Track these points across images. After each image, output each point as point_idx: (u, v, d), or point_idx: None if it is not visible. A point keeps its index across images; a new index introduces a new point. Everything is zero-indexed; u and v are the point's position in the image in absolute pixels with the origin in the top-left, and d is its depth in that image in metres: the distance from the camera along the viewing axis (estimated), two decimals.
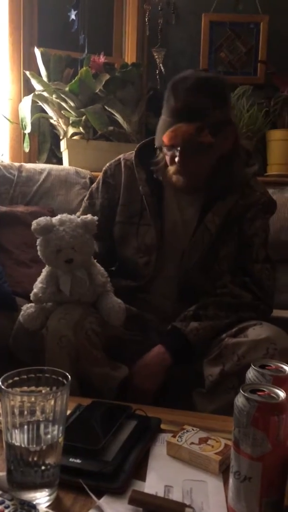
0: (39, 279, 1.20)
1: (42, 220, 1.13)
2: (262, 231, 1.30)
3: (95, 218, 1.16)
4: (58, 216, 1.17)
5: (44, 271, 1.20)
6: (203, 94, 1.14)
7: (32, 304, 1.19)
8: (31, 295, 1.18)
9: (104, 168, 1.39)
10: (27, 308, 1.19)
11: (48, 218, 1.15)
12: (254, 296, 1.25)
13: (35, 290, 1.18)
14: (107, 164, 1.40)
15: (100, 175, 1.40)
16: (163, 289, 1.31)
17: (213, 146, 1.16)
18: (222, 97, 1.17)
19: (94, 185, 1.41)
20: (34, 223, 1.14)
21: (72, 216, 1.18)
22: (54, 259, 1.14)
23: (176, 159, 1.18)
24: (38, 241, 1.16)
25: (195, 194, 1.29)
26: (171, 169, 1.22)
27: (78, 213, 1.36)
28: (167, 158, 1.22)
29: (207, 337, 1.19)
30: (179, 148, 1.16)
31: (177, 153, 1.17)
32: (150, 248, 1.29)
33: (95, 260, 1.23)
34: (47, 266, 1.20)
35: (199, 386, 1.17)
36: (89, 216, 1.16)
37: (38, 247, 1.16)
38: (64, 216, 1.17)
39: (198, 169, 1.21)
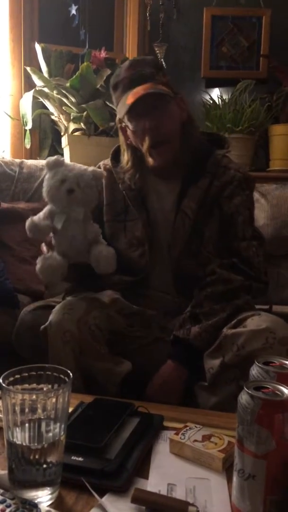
0: (37, 215, 1.21)
1: (53, 157, 1.19)
2: (245, 209, 1.29)
3: (104, 172, 1.24)
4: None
5: (44, 208, 1.22)
6: (142, 65, 1.25)
7: (45, 256, 1.17)
8: (27, 223, 1.17)
9: None
10: (44, 260, 1.16)
11: (62, 157, 1.20)
12: (246, 276, 1.24)
13: (31, 218, 1.18)
14: None
15: None
16: (160, 282, 1.32)
17: (171, 107, 1.23)
18: (158, 65, 1.30)
19: None
20: (46, 160, 1.19)
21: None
22: (57, 189, 1.16)
23: (146, 123, 1.21)
24: (46, 176, 1.19)
25: (171, 179, 1.31)
26: (145, 145, 1.24)
27: None
28: (136, 137, 1.26)
29: (211, 337, 1.17)
30: (148, 113, 1.20)
31: (147, 117, 1.21)
32: (141, 240, 1.30)
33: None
34: (48, 205, 1.21)
35: (202, 380, 1.16)
36: (97, 169, 1.22)
37: (44, 181, 1.19)
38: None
39: (164, 128, 1.23)
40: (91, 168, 1.22)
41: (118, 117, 1.32)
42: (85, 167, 1.21)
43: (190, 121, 1.30)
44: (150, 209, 1.33)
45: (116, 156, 1.38)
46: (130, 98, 1.19)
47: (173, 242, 1.28)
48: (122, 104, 1.23)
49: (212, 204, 1.28)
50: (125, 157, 1.33)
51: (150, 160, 1.26)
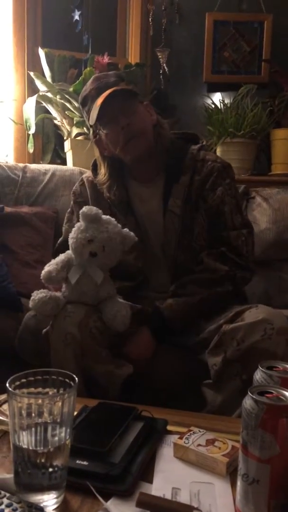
0: (55, 260, 1.21)
1: (94, 209, 1.18)
2: (230, 197, 1.32)
3: (136, 238, 1.23)
4: (107, 216, 1.22)
5: (62, 256, 1.22)
6: (105, 77, 1.33)
7: (41, 290, 1.19)
8: (44, 272, 1.19)
9: (71, 193, 1.50)
10: (37, 294, 1.18)
11: (100, 210, 1.19)
12: (234, 264, 1.27)
13: (49, 268, 1.19)
14: (73, 188, 1.50)
15: (71, 199, 1.50)
16: (159, 283, 1.35)
17: (139, 107, 1.30)
18: (121, 78, 1.34)
19: (69, 209, 1.49)
20: (85, 208, 1.19)
21: (118, 224, 1.22)
22: (82, 246, 1.16)
23: (120, 125, 1.26)
24: (77, 224, 1.19)
25: (153, 184, 1.36)
26: (120, 144, 1.28)
27: (60, 239, 1.47)
28: (111, 140, 1.30)
29: (181, 312, 1.24)
30: (118, 113, 1.26)
31: (118, 118, 1.26)
32: (133, 244, 1.31)
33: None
34: (66, 252, 1.22)
35: (207, 378, 1.18)
36: (131, 233, 1.22)
37: (74, 229, 1.19)
38: (112, 219, 1.21)
39: (137, 123, 1.27)
40: (124, 231, 1.21)
41: (91, 130, 1.37)
42: (119, 227, 1.21)
43: (160, 123, 1.35)
44: (136, 214, 1.36)
45: (95, 168, 1.42)
46: (99, 101, 1.25)
47: (166, 242, 1.32)
48: (94, 110, 1.28)
49: (197, 199, 1.31)
50: (102, 170, 1.37)
51: (126, 157, 1.30)
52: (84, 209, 1.18)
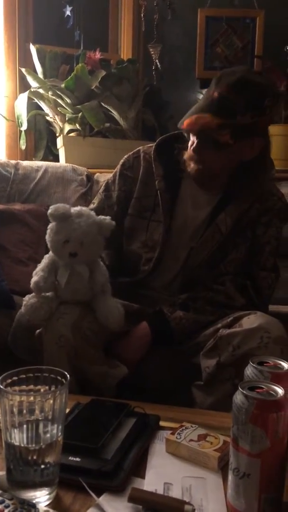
0: (40, 266, 1.17)
1: (61, 207, 1.12)
2: (275, 239, 1.28)
3: (113, 223, 1.15)
4: (78, 208, 1.15)
5: (46, 259, 1.17)
6: (241, 94, 1.12)
7: (34, 294, 1.15)
8: (32, 283, 1.14)
9: (122, 160, 1.36)
10: (29, 299, 1.15)
11: (67, 206, 1.13)
12: (249, 301, 1.25)
13: (36, 278, 1.14)
14: (125, 156, 1.37)
15: (117, 166, 1.37)
16: (165, 284, 1.31)
17: (231, 148, 1.14)
18: (259, 105, 1.13)
19: (111, 177, 1.38)
20: (52, 208, 1.11)
21: (92, 213, 1.16)
22: (60, 248, 1.12)
23: (192, 146, 1.19)
24: (50, 226, 1.14)
25: (212, 191, 1.28)
26: (187, 155, 1.22)
27: (91, 206, 1.36)
28: (189, 144, 1.22)
29: (188, 328, 1.21)
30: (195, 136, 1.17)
31: (195, 140, 1.18)
32: (155, 244, 1.28)
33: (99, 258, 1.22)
34: (49, 254, 1.17)
35: (199, 380, 1.17)
36: (107, 218, 1.15)
37: (48, 231, 1.13)
38: (84, 209, 1.15)
39: (212, 163, 1.20)
40: (99, 219, 1.14)
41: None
42: (93, 217, 1.14)
43: (256, 165, 1.24)
44: (179, 214, 1.29)
45: (160, 148, 1.30)
46: (188, 120, 1.15)
47: (197, 252, 1.26)
48: (194, 107, 1.18)
49: (246, 226, 1.26)
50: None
51: (189, 168, 1.23)
52: (51, 209, 1.12)
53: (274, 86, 1.23)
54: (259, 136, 1.19)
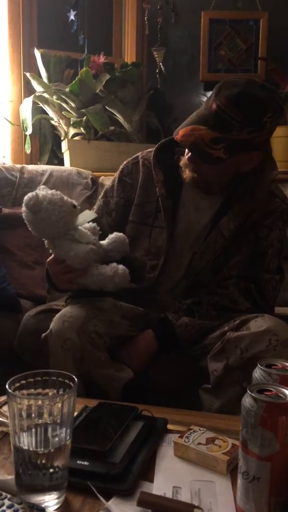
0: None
1: (33, 197, 1.15)
2: (278, 242, 1.27)
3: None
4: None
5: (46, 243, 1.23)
6: (240, 109, 1.07)
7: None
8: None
9: (121, 166, 1.35)
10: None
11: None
12: (254, 304, 1.24)
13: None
14: (125, 162, 1.35)
15: (116, 172, 1.36)
16: (169, 288, 1.31)
17: (223, 162, 1.12)
18: (258, 120, 1.09)
19: (110, 183, 1.37)
20: (27, 200, 1.16)
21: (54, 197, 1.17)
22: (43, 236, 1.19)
23: (187, 155, 1.18)
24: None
25: (212, 195, 1.27)
26: (183, 161, 1.21)
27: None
28: (185, 152, 1.21)
29: (194, 334, 1.21)
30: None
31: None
32: (159, 251, 1.27)
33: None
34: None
35: (205, 383, 1.17)
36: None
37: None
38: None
39: (207, 174, 1.19)
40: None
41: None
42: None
43: (255, 176, 1.22)
44: (181, 220, 1.27)
45: (159, 153, 1.28)
46: (183, 131, 1.12)
47: (200, 257, 1.25)
48: (192, 116, 1.15)
49: (249, 229, 1.25)
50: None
51: (185, 175, 1.22)
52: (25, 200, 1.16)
53: (277, 96, 1.15)
54: (257, 150, 1.16)
